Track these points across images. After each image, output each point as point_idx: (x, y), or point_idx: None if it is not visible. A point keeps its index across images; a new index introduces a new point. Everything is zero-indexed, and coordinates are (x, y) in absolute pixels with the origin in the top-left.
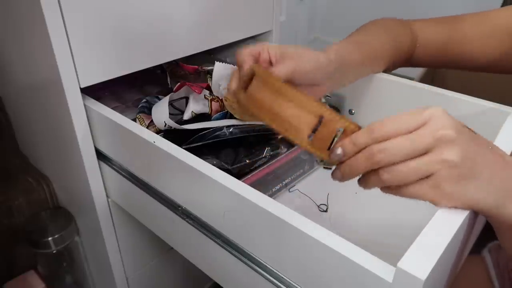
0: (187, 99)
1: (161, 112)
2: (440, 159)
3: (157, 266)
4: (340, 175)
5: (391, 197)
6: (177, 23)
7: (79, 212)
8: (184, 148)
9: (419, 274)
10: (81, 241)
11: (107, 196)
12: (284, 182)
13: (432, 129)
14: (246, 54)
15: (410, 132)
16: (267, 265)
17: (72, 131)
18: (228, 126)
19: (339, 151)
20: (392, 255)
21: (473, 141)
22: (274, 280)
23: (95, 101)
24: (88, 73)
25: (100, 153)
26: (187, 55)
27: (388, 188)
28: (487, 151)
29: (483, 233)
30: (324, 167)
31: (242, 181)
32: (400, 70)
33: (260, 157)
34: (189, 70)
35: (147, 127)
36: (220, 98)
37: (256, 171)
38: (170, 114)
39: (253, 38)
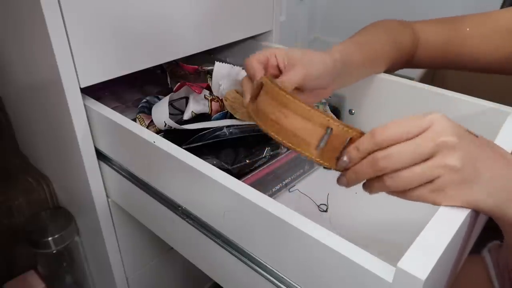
0: (187, 99)
1: (161, 112)
2: (442, 165)
3: (157, 266)
4: (345, 182)
5: (391, 197)
6: (177, 23)
7: (79, 212)
8: (184, 148)
9: (419, 274)
10: (81, 241)
11: (107, 196)
12: (284, 182)
13: (433, 135)
14: (255, 63)
15: (412, 138)
16: (267, 265)
17: (72, 131)
18: (228, 126)
19: (345, 158)
20: (392, 255)
21: (474, 144)
22: (274, 280)
23: (95, 101)
24: (88, 73)
25: (100, 153)
26: (187, 55)
27: (393, 192)
28: (488, 153)
29: (483, 233)
30: (324, 167)
31: (242, 181)
32: (400, 70)
33: (260, 157)
34: (189, 70)
35: (147, 127)
36: (220, 98)
37: (256, 171)
38: (170, 114)
39: (253, 38)
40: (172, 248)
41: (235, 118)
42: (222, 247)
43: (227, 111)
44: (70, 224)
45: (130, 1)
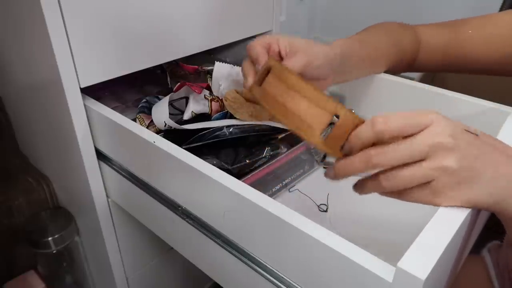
0: (187, 99)
1: (161, 112)
2: (438, 166)
3: (157, 266)
4: (333, 175)
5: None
6: (177, 23)
7: (79, 212)
8: (184, 148)
9: (419, 274)
10: (81, 241)
11: (107, 196)
12: (284, 182)
13: (430, 136)
14: (258, 47)
15: (411, 134)
16: (267, 265)
17: (72, 131)
18: (228, 126)
19: (346, 146)
20: (392, 255)
21: (473, 144)
22: (274, 280)
23: (95, 101)
24: (88, 73)
25: (100, 153)
26: (187, 55)
27: (389, 193)
28: (489, 151)
29: (483, 233)
30: (324, 167)
31: (242, 181)
32: None
33: (260, 157)
34: (189, 70)
35: (147, 127)
36: (220, 98)
37: (256, 171)
38: (170, 114)
39: (253, 38)
40: (172, 248)
41: (235, 118)
42: (222, 247)
43: (227, 111)
44: (70, 224)
45: (130, 1)
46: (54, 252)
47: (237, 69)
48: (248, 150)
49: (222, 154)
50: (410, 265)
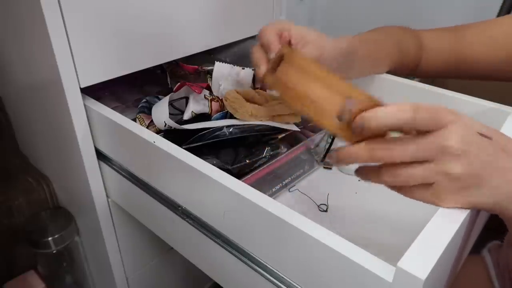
0: (187, 99)
1: (161, 112)
2: (442, 171)
3: (157, 266)
4: (336, 158)
5: (391, 197)
6: (177, 23)
7: (79, 212)
8: (184, 148)
9: (419, 274)
10: (81, 241)
11: (107, 196)
12: (284, 182)
13: (440, 139)
14: (271, 34)
15: (422, 133)
16: (267, 265)
17: (72, 131)
18: (228, 126)
19: (359, 125)
20: (392, 255)
21: (484, 151)
22: (274, 280)
23: (95, 101)
24: (88, 73)
25: (100, 153)
26: (187, 55)
27: (389, 186)
28: (499, 157)
29: (483, 233)
30: (324, 167)
31: (242, 181)
32: None
33: (260, 157)
34: (189, 70)
35: (147, 127)
36: (220, 98)
37: (256, 171)
38: (170, 114)
39: (253, 38)
40: (172, 248)
41: (235, 118)
42: (222, 247)
43: (227, 111)
44: (70, 224)
45: (130, 1)
46: (54, 252)
47: (237, 69)
48: (248, 150)
49: (222, 154)
50: (410, 265)
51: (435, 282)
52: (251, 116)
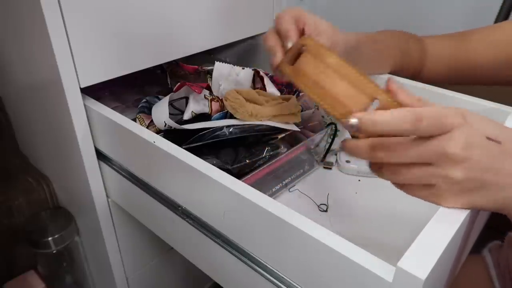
0: (187, 99)
1: (161, 112)
2: (442, 175)
3: (157, 266)
4: (343, 147)
5: (391, 197)
6: (177, 23)
7: (79, 212)
8: (184, 148)
9: (419, 274)
10: (81, 241)
11: (107, 196)
12: (284, 182)
13: (442, 144)
14: (289, 21)
15: (428, 136)
16: (267, 265)
17: (72, 131)
18: (228, 126)
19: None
20: (392, 255)
21: (490, 156)
22: (274, 280)
23: (95, 101)
24: (88, 73)
25: (100, 153)
26: (187, 55)
27: (392, 182)
28: (506, 162)
29: (484, 233)
30: (324, 167)
31: (242, 181)
32: None
33: (260, 157)
34: (189, 70)
35: (147, 127)
36: (220, 98)
37: (256, 171)
38: (170, 114)
39: (253, 38)
40: (172, 248)
41: (235, 118)
42: (222, 247)
43: (227, 111)
44: (70, 224)
45: (130, 1)
46: (54, 252)
47: (237, 69)
48: (248, 150)
49: (222, 154)
50: (410, 265)
51: (435, 282)
52: (251, 116)
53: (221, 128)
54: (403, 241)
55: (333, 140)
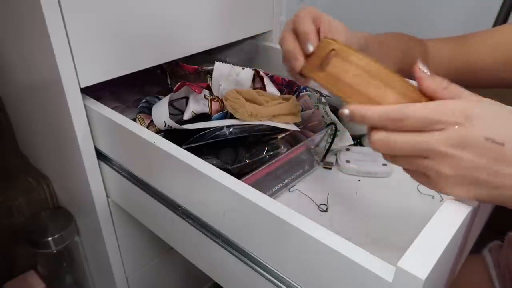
0: (187, 99)
1: (161, 112)
2: (433, 169)
3: (157, 266)
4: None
5: (391, 197)
6: (177, 23)
7: (79, 212)
8: (184, 148)
9: (419, 274)
10: (81, 241)
11: (107, 196)
12: (284, 182)
13: (432, 140)
14: (308, 21)
15: (427, 130)
16: (267, 265)
17: (72, 131)
18: (228, 126)
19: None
20: (392, 255)
21: (487, 157)
22: (274, 280)
23: (95, 101)
24: (88, 73)
25: (100, 153)
26: (187, 55)
27: None
28: (505, 163)
29: (484, 233)
30: (324, 167)
31: (242, 181)
32: None
33: (260, 157)
34: (189, 70)
35: (147, 127)
36: (220, 98)
37: (256, 171)
38: (170, 114)
39: (253, 38)
40: (172, 248)
41: (235, 118)
42: (222, 247)
43: (227, 111)
44: (70, 224)
45: (130, 1)
46: (54, 252)
47: (237, 69)
48: (248, 150)
49: (222, 154)
50: (410, 265)
51: (435, 282)
52: (251, 116)
53: (221, 128)
54: (403, 241)
55: (333, 140)
